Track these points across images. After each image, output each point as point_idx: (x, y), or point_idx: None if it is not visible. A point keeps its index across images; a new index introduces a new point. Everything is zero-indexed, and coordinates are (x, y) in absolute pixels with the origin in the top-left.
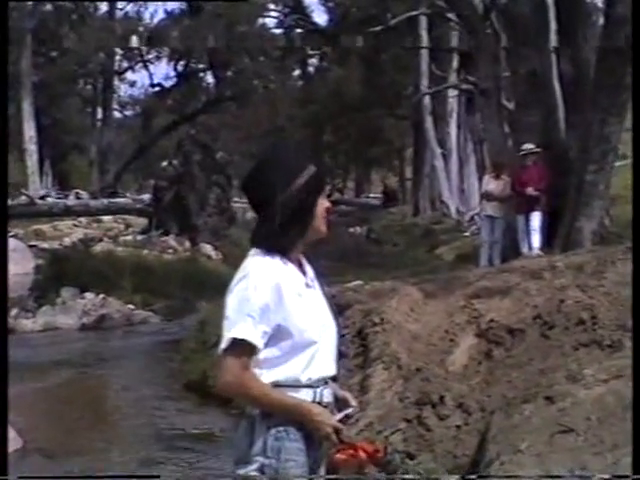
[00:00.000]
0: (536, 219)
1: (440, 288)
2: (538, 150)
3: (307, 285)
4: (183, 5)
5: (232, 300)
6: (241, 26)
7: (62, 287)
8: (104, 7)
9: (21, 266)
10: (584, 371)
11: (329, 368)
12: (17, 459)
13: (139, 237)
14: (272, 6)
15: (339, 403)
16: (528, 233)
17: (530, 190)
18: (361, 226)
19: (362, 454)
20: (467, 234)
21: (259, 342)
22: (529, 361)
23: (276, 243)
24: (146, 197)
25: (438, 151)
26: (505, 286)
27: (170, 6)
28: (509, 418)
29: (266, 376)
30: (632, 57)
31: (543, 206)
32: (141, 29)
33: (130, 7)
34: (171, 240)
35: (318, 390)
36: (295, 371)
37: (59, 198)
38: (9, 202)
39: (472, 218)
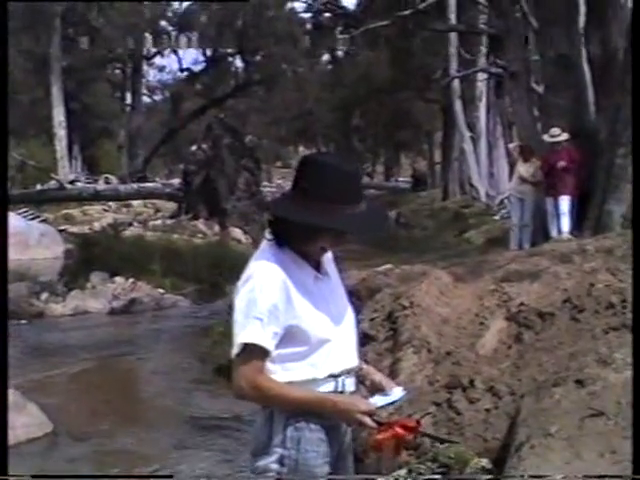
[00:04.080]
0: (565, 203)
1: (470, 272)
2: (562, 139)
3: (316, 278)
4: None
5: (240, 302)
6: (270, 10)
7: (92, 271)
8: None
9: (51, 250)
10: (614, 355)
11: (349, 360)
12: (47, 443)
13: (168, 221)
14: None
15: (374, 387)
16: (558, 217)
17: (561, 164)
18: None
19: (399, 430)
20: (496, 218)
21: (269, 344)
22: (559, 345)
23: (287, 238)
24: (175, 181)
25: (467, 135)
26: (535, 269)
27: None
28: (539, 402)
29: (282, 374)
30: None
31: (572, 189)
32: (170, 14)
33: None
34: (200, 224)
35: (340, 380)
36: (312, 370)
37: (88, 183)
38: (38, 187)
39: (501, 202)
